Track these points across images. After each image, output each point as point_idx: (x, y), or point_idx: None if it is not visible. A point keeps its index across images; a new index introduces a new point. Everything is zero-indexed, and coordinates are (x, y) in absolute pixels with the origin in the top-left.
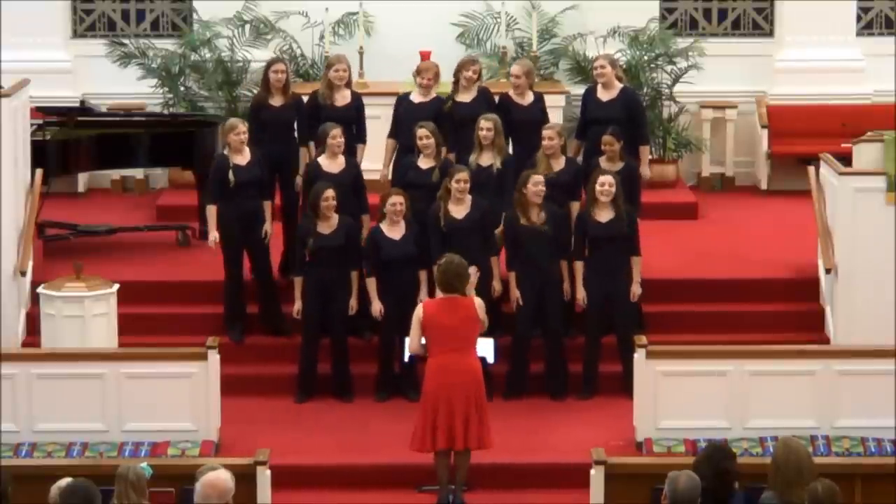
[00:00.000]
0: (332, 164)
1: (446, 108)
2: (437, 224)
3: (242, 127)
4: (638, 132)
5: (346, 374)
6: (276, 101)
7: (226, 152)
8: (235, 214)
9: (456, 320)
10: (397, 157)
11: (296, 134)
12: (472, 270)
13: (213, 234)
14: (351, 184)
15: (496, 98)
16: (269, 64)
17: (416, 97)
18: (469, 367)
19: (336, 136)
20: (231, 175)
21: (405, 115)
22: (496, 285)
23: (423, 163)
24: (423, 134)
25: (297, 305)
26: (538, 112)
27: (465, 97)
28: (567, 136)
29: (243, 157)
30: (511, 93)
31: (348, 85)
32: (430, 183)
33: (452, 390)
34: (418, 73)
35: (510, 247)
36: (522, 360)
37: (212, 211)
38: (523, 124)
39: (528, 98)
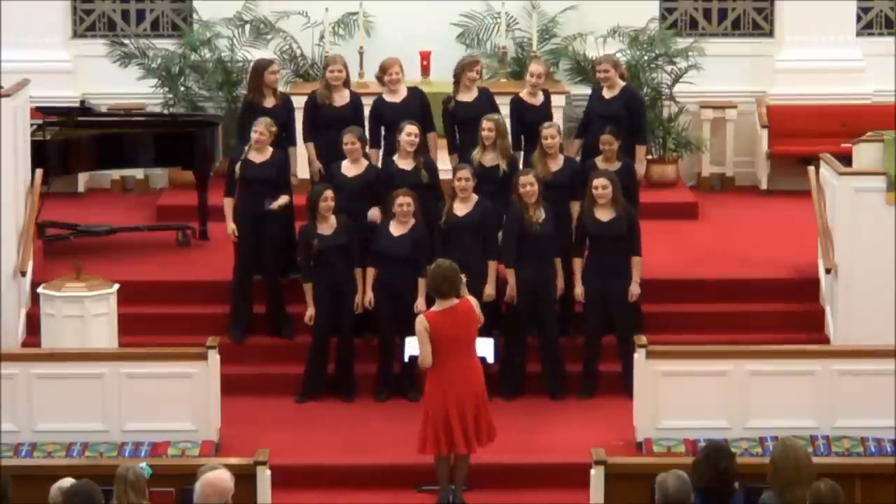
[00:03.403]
0: (351, 168)
1: (450, 108)
2: (440, 221)
3: (261, 126)
4: (636, 131)
5: (350, 374)
6: (269, 102)
7: (247, 148)
8: (247, 213)
9: (458, 329)
10: (383, 162)
11: (285, 134)
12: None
13: (230, 226)
14: (369, 188)
15: (510, 101)
16: (266, 65)
17: (391, 97)
18: (472, 367)
19: (348, 141)
20: (237, 169)
21: (391, 118)
22: (489, 289)
23: (405, 164)
24: (413, 131)
25: (310, 311)
26: (550, 111)
27: (467, 97)
28: (567, 135)
29: (261, 155)
30: (524, 94)
31: (347, 85)
32: (420, 183)
33: (462, 393)
34: (384, 71)
35: (512, 245)
36: (519, 361)
37: (225, 203)
38: (536, 125)
39: (540, 98)
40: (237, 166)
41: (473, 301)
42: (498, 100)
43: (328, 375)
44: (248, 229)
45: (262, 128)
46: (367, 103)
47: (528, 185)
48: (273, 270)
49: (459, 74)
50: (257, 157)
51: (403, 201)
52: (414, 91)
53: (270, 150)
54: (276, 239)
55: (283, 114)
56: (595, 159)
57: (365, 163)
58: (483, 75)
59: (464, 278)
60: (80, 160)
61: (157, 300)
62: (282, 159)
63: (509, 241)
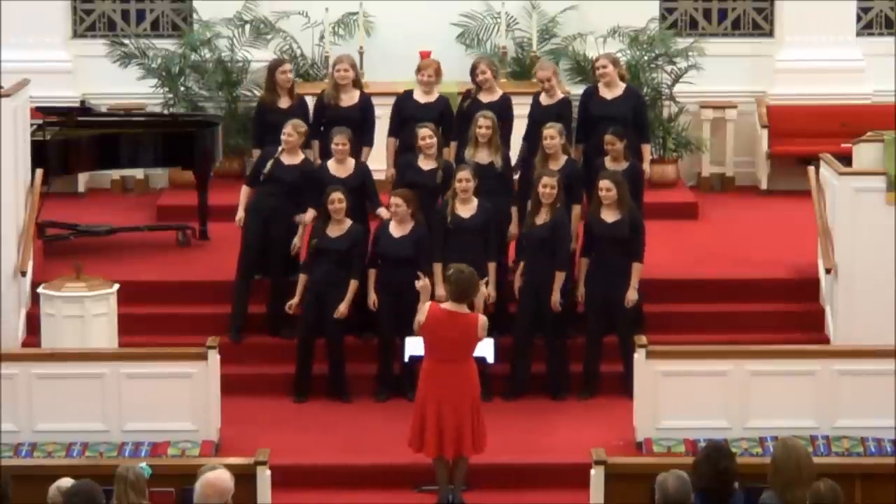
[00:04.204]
0: (339, 168)
1: (465, 106)
2: (443, 222)
3: (289, 128)
4: (641, 130)
5: (341, 375)
6: (284, 102)
7: (280, 148)
8: (259, 212)
9: (456, 334)
10: (397, 155)
11: None
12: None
13: (240, 214)
14: (360, 187)
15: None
16: (276, 65)
17: (420, 96)
18: (464, 375)
19: (339, 142)
20: (269, 167)
21: (409, 114)
22: (490, 291)
23: (424, 164)
24: (426, 134)
25: (295, 300)
26: (566, 112)
27: (486, 97)
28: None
29: (292, 158)
30: (542, 97)
31: (357, 85)
32: (431, 184)
33: (445, 399)
34: (419, 70)
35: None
36: (522, 363)
37: (243, 191)
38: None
39: (555, 98)
40: (269, 164)
41: (482, 320)
42: None
43: (324, 376)
44: (257, 228)
45: (289, 129)
46: (376, 104)
47: (549, 186)
48: (278, 271)
49: (472, 78)
50: (287, 158)
51: (394, 202)
52: (441, 98)
53: (301, 155)
54: (282, 240)
55: (298, 114)
56: (604, 160)
57: (352, 164)
58: (496, 74)
59: (483, 291)
60: (80, 160)
61: (157, 300)
62: (309, 168)
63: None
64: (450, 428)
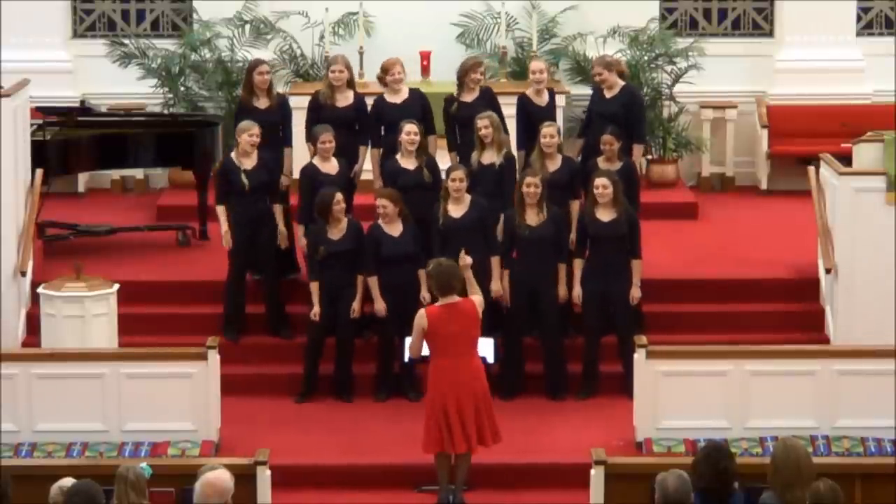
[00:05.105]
0: (326, 165)
1: (453, 111)
2: (436, 223)
3: (256, 129)
4: (634, 130)
5: (348, 375)
6: (262, 103)
7: (233, 155)
8: (244, 218)
9: (459, 326)
10: (381, 160)
11: (281, 134)
12: (464, 257)
13: (224, 228)
14: (346, 186)
15: (517, 98)
16: (254, 66)
17: (392, 97)
18: (474, 366)
19: (326, 139)
20: (244, 178)
21: (392, 118)
22: (494, 286)
23: (407, 163)
24: (413, 130)
25: (316, 309)
26: (555, 111)
27: (468, 97)
28: (567, 135)
29: (251, 161)
30: (530, 93)
31: (351, 86)
32: (423, 183)
33: (461, 392)
34: (385, 71)
35: (507, 245)
36: (515, 361)
37: (220, 211)
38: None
39: (546, 97)
40: (244, 180)
41: (478, 301)
42: (500, 100)
43: (324, 376)
44: (245, 235)
45: (257, 130)
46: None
47: (533, 185)
48: (272, 271)
49: (463, 77)
50: (248, 162)
51: (380, 203)
52: (415, 92)
53: (255, 154)
54: (273, 241)
55: (277, 114)
56: (597, 159)
57: (336, 162)
58: (486, 76)
59: (465, 259)
60: (80, 160)
61: (157, 300)
62: (269, 162)
63: (503, 240)
64: (472, 420)
